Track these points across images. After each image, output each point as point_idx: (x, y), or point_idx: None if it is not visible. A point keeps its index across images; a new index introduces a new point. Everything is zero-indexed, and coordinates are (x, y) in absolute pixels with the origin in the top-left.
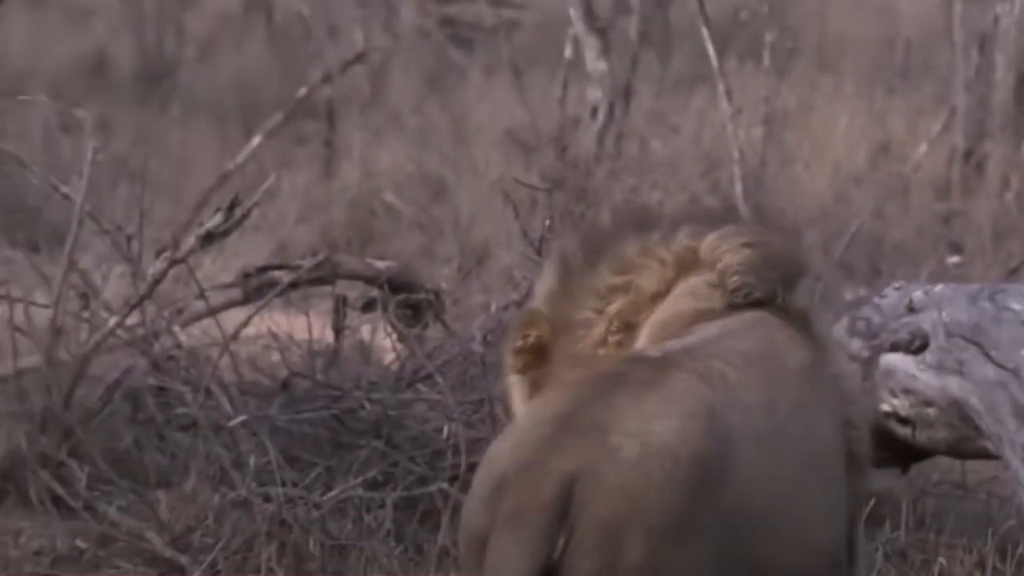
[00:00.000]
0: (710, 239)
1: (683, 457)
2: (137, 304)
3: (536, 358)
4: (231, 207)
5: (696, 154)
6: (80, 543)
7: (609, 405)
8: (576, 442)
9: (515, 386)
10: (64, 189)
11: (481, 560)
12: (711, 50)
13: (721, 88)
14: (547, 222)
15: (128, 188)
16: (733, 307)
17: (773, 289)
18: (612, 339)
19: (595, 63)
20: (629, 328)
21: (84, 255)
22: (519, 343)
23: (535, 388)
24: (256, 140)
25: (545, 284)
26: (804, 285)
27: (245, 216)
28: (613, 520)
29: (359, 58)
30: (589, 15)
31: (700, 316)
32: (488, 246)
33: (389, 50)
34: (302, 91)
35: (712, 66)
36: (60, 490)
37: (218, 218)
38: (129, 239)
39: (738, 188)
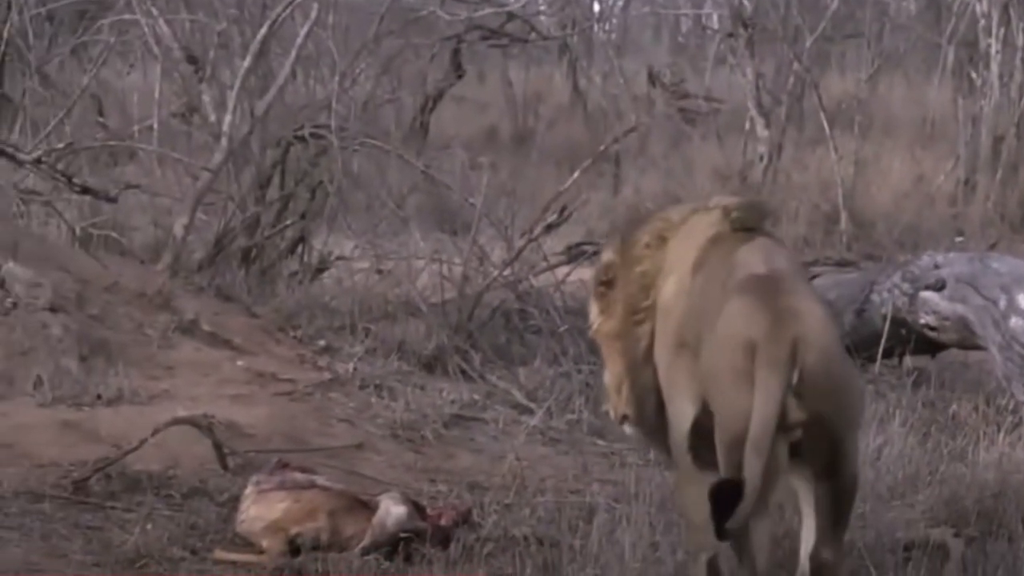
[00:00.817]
0: (714, 199)
1: (833, 324)
2: (509, 263)
3: (609, 286)
4: (561, 211)
5: (817, 182)
6: (475, 396)
7: (787, 298)
8: (790, 320)
9: (594, 303)
10: (471, 200)
11: (741, 377)
12: (825, 124)
13: (831, 144)
14: None
15: (506, 201)
16: (735, 230)
17: (759, 221)
18: (648, 251)
19: (761, 131)
20: (663, 240)
21: (481, 236)
22: (603, 277)
23: (606, 303)
24: (576, 174)
25: (608, 248)
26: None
27: (568, 216)
28: (818, 360)
29: (632, 129)
30: (759, 104)
31: (719, 236)
32: None
33: (649, 124)
34: (601, 147)
35: (825, 132)
36: (465, 366)
37: (554, 217)
38: (506, 228)
39: (840, 201)
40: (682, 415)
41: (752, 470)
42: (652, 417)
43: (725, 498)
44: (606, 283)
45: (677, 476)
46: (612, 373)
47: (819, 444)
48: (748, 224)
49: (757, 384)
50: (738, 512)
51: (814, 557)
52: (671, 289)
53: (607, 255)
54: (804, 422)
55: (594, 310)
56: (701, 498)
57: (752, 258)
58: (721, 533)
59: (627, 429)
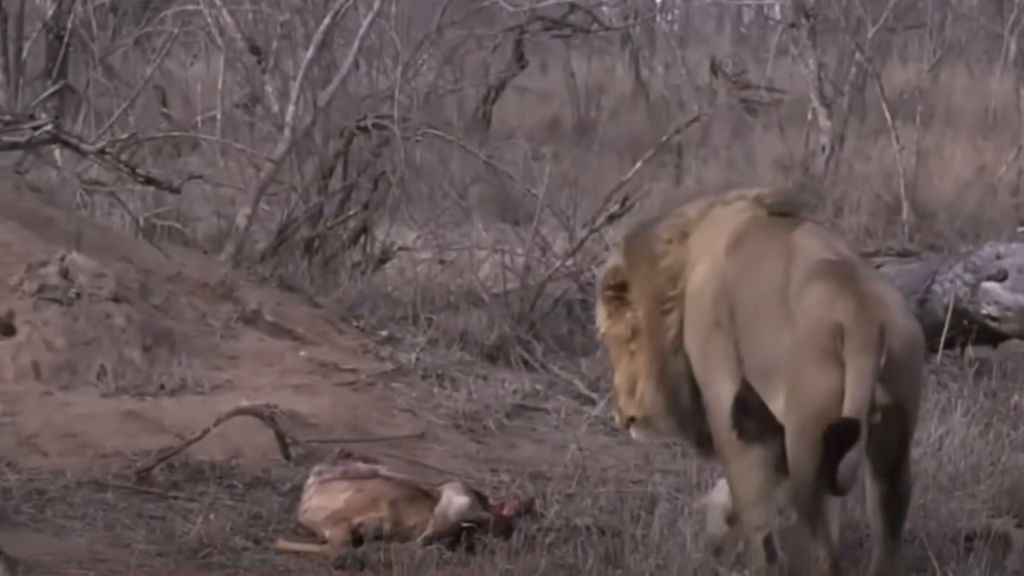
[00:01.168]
0: (732, 192)
1: (909, 309)
2: (571, 253)
3: (617, 290)
4: (623, 201)
5: (878, 173)
6: (537, 386)
7: (868, 283)
8: (876, 305)
9: (601, 307)
10: (534, 191)
11: (828, 358)
12: (887, 114)
13: (893, 135)
14: None
15: (568, 191)
16: (772, 215)
17: (796, 207)
18: (671, 246)
19: (823, 121)
20: (684, 235)
21: (543, 227)
22: (611, 282)
23: (615, 308)
24: (638, 164)
25: (616, 253)
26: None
27: (631, 206)
28: (903, 346)
29: (694, 120)
30: (821, 95)
31: (755, 220)
32: None
33: (711, 114)
34: (663, 138)
35: (887, 122)
36: (527, 356)
37: (616, 208)
38: (568, 218)
39: (901, 191)
40: (723, 394)
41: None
42: (688, 404)
43: (837, 442)
44: (614, 287)
45: (723, 456)
46: (623, 375)
47: (892, 434)
48: (786, 209)
49: (850, 366)
50: (848, 459)
51: (879, 571)
52: (701, 274)
53: (613, 260)
54: (886, 406)
55: (601, 314)
56: (750, 471)
57: (813, 242)
58: (834, 486)
59: (633, 433)
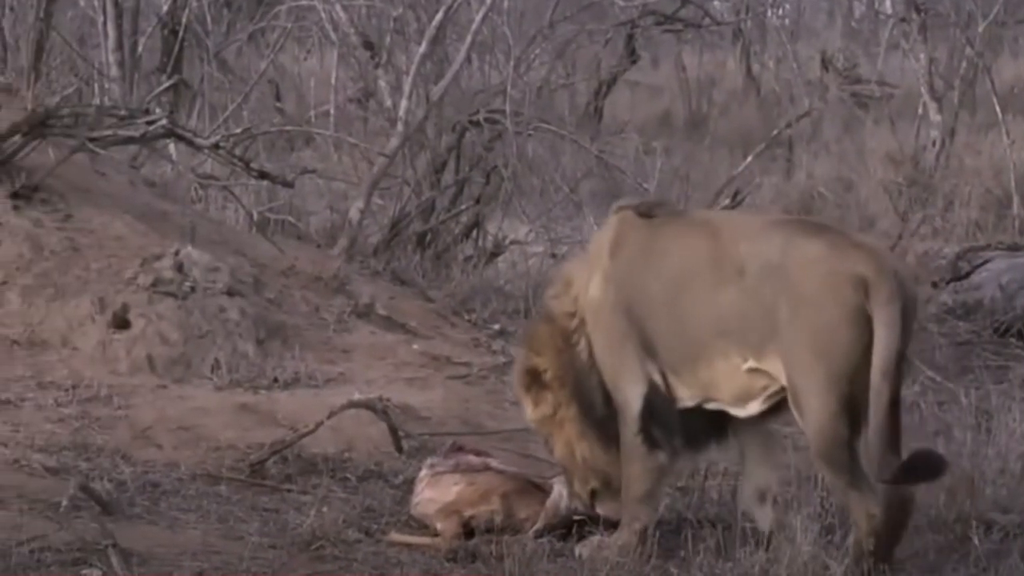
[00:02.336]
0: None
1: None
2: None
3: (533, 378)
4: (735, 195)
5: (989, 166)
6: None
7: (857, 235)
8: (885, 255)
9: (524, 400)
10: (645, 185)
11: (854, 312)
12: (997, 108)
13: (1003, 129)
14: (907, 203)
15: (679, 185)
16: (641, 216)
17: (661, 208)
18: (558, 297)
19: (934, 116)
20: (568, 284)
21: None
22: (524, 380)
23: (536, 393)
24: (749, 159)
25: (518, 352)
26: None
27: (742, 200)
28: (910, 291)
29: (805, 114)
30: (931, 89)
31: (627, 223)
32: (875, 216)
33: (822, 109)
34: (774, 132)
35: (998, 116)
36: None
37: (727, 201)
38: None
39: (1011, 184)
40: (632, 399)
41: (882, 398)
42: (601, 409)
43: (920, 473)
44: (528, 374)
45: (625, 454)
46: (562, 449)
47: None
48: (652, 212)
49: (879, 318)
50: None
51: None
52: (594, 288)
53: (519, 362)
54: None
55: (527, 408)
56: (647, 475)
57: (719, 216)
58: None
59: (600, 510)
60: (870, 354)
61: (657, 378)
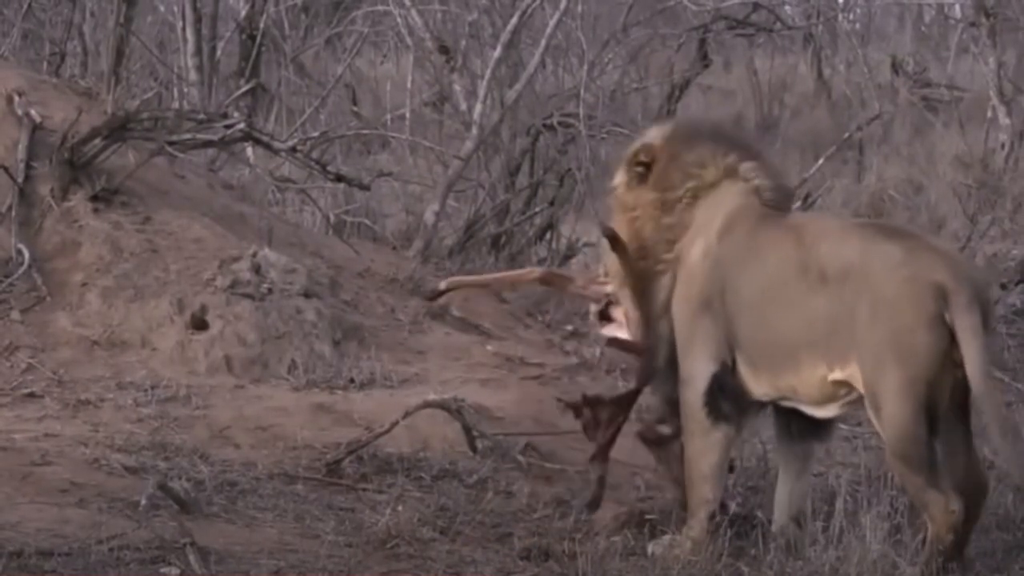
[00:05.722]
0: (744, 166)
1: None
2: None
3: (642, 174)
4: (806, 198)
5: None
6: None
7: (932, 239)
8: (960, 260)
9: (623, 171)
10: None
11: (932, 320)
12: None
13: None
14: (976, 205)
15: None
16: (764, 205)
17: (788, 203)
18: (683, 204)
19: (1003, 119)
20: (695, 199)
21: None
22: (643, 159)
23: (633, 179)
24: (820, 161)
25: (659, 134)
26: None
27: (813, 202)
28: (987, 296)
29: (876, 117)
30: (1000, 93)
31: (745, 208)
32: (944, 219)
33: (892, 112)
34: (845, 135)
35: None
36: None
37: (798, 204)
38: None
39: None
40: (700, 373)
41: (994, 398)
42: (663, 366)
43: None
44: (641, 164)
45: (688, 429)
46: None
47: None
48: (779, 205)
49: (963, 323)
50: None
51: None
52: (695, 255)
53: (653, 138)
54: None
55: (620, 176)
56: (711, 449)
57: (816, 217)
58: None
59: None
60: (946, 359)
61: (730, 363)
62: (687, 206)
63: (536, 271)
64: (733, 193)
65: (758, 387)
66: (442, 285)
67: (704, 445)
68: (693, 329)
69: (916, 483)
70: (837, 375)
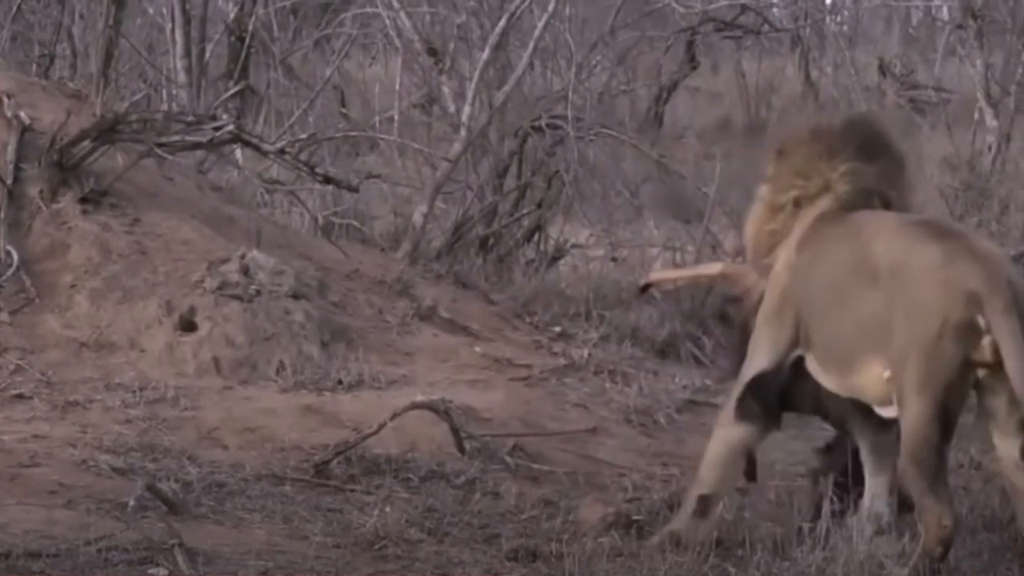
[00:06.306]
0: (841, 168)
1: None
2: (742, 251)
3: (782, 156)
4: None
5: None
6: (707, 382)
7: (978, 240)
8: (999, 263)
9: (770, 167)
10: (705, 189)
11: (962, 327)
12: None
13: None
14: (963, 207)
15: (739, 190)
16: (842, 208)
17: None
18: (788, 208)
19: (991, 121)
20: (799, 203)
21: (714, 225)
22: (783, 148)
23: (775, 182)
24: None
25: (792, 129)
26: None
27: None
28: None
29: None
30: (988, 95)
31: (822, 217)
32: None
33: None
34: None
35: None
36: (697, 352)
37: None
38: (739, 216)
39: None
40: (751, 366)
41: None
42: (737, 352)
43: None
44: (780, 152)
45: (720, 415)
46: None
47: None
48: (855, 206)
49: (1000, 328)
50: None
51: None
52: (780, 264)
53: (789, 131)
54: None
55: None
56: (727, 444)
57: (879, 214)
58: None
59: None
60: (969, 366)
61: (787, 366)
62: (789, 215)
63: (717, 266)
64: (821, 205)
65: (830, 384)
66: (643, 281)
67: (722, 437)
68: (761, 333)
69: (920, 487)
70: (888, 374)
